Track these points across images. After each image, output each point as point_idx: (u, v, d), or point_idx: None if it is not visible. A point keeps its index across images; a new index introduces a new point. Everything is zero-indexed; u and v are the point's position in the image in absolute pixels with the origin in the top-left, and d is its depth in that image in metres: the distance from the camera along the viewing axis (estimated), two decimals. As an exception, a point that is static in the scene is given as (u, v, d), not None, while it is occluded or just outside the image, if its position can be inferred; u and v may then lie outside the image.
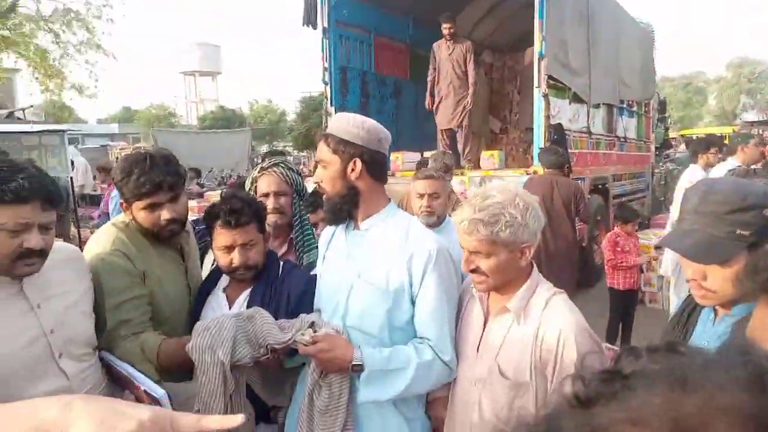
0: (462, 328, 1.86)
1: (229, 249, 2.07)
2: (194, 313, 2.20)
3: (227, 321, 1.89)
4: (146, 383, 1.71)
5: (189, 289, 2.28)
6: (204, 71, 63.64)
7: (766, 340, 1.08)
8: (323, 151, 1.85)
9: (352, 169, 1.82)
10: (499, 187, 1.68)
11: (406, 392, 1.78)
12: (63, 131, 6.62)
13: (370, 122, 1.87)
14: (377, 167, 1.87)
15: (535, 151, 6.33)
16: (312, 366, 1.84)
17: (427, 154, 6.64)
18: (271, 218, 2.47)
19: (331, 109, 7.96)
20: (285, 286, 2.13)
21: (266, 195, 2.55)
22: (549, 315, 1.65)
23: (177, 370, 2.06)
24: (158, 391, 1.65)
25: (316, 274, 2.13)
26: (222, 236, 2.07)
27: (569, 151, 6.68)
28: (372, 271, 1.84)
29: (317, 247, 2.62)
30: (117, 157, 16.07)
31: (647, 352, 0.44)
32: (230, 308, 2.13)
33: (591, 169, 7.68)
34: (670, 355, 0.43)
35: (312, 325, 1.87)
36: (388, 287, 1.81)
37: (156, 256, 2.14)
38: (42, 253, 1.63)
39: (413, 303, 1.83)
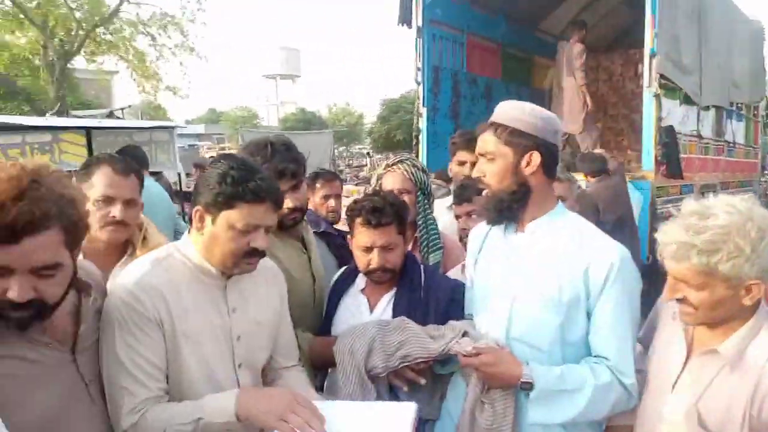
0: (654, 356, 1.63)
1: (368, 249, 2.00)
2: (328, 314, 2.14)
3: (371, 328, 1.86)
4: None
5: (314, 279, 2.24)
6: (285, 74, 65.28)
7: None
8: (490, 142, 1.70)
9: (527, 163, 1.66)
10: (724, 205, 1.36)
11: (580, 417, 1.62)
12: (172, 127, 6.82)
13: (544, 110, 1.70)
14: (552, 163, 1.71)
15: (645, 155, 5.97)
16: (474, 380, 1.71)
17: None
18: None
19: (423, 110, 7.84)
20: (432, 293, 2.03)
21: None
22: None
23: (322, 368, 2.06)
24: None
25: (460, 281, 2.03)
26: (362, 235, 2.01)
27: (680, 155, 6.28)
28: (541, 280, 1.67)
29: (442, 247, 2.54)
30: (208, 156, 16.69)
31: None
32: (371, 311, 2.06)
33: (700, 176, 7.19)
34: None
35: (465, 334, 1.76)
36: (561, 299, 1.64)
37: (281, 247, 2.11)
38: (262, 254, 1.61)
39: (588, 317, 1.65)
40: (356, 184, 11.69)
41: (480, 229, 1.94)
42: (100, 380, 1.51)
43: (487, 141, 1.71)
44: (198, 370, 1.58)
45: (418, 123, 7.97)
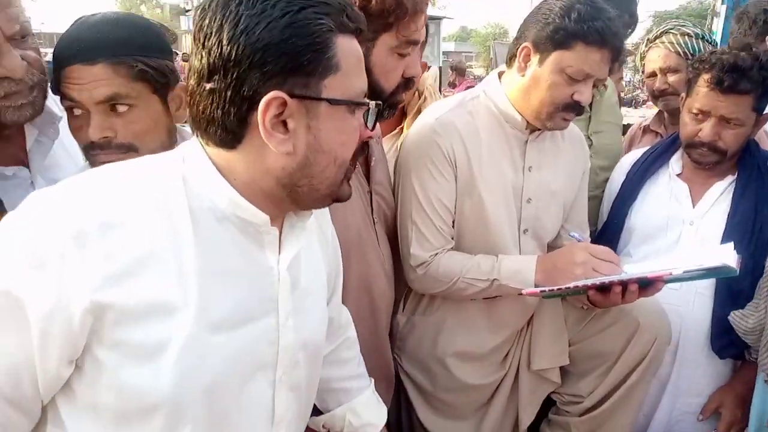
0: None
1: (703, 116, 1.59)
2: (623, 202, 1.80)
3: None
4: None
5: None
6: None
7: None
8: None
9: None
10: None
11: None
12: (439, 18, 6.86)
13: None
14: None
15: None
16: None
17: None
18: (660, 103, 2.08)
19: (721, 9, 6.45)
20: None
21: (652, 75, 2.07)
22: None
23: None
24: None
25: None
26: (702, 96, 1.58)
27: None
28: None
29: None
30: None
31: None
32: (694, 203, 1.67)
33: None
34: None
35: None
36: None
37: None
38: (581, 111, 1.47)
39: None
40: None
41: None
42: (384, 221, 1.56)
43: None
44: (480, 224, 1.53)
45: (711, 25, 6.74)
